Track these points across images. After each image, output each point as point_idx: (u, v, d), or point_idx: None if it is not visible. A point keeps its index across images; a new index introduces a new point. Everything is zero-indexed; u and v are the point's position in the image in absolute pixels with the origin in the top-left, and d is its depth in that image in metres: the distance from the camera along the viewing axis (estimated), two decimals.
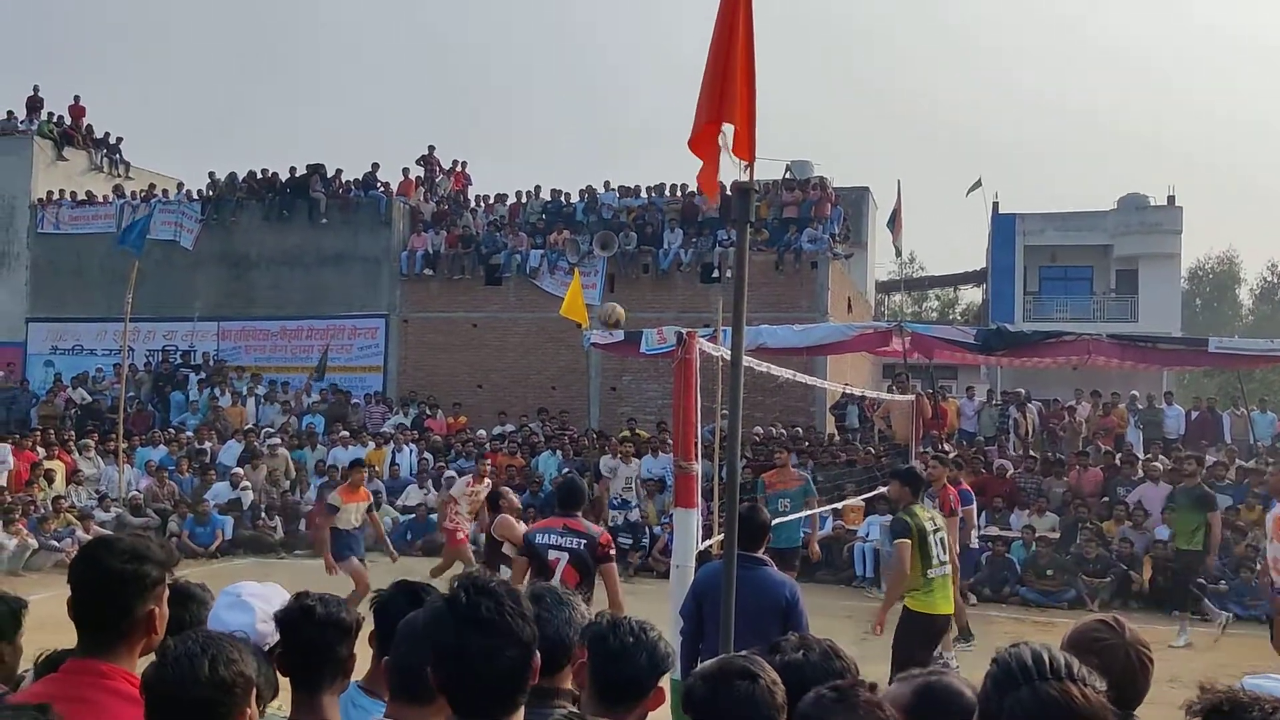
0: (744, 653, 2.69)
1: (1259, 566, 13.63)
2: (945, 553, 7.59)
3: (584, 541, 6.13)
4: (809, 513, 12.25)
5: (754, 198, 4.34)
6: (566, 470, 17.92)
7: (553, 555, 6.09)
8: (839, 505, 15.27)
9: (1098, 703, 1.85)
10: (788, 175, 24.53)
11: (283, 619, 2.91)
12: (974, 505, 11.49)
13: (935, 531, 7.50)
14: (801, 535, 12.35)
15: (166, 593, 2.70)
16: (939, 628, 7.74)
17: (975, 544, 12.74)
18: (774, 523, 10.62)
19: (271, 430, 21.05)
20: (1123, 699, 2.58)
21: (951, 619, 8.21)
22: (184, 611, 3.10)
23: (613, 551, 6.32)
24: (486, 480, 13.14)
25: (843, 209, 26.15)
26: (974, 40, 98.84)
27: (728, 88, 4.07)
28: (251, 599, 3.14)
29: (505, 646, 2.14)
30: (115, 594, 2.56)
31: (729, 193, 22.45)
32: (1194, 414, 19.85)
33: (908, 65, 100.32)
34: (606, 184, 25.67)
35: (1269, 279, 56.24)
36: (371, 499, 12.39)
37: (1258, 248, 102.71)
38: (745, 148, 4.21)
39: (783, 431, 19.57)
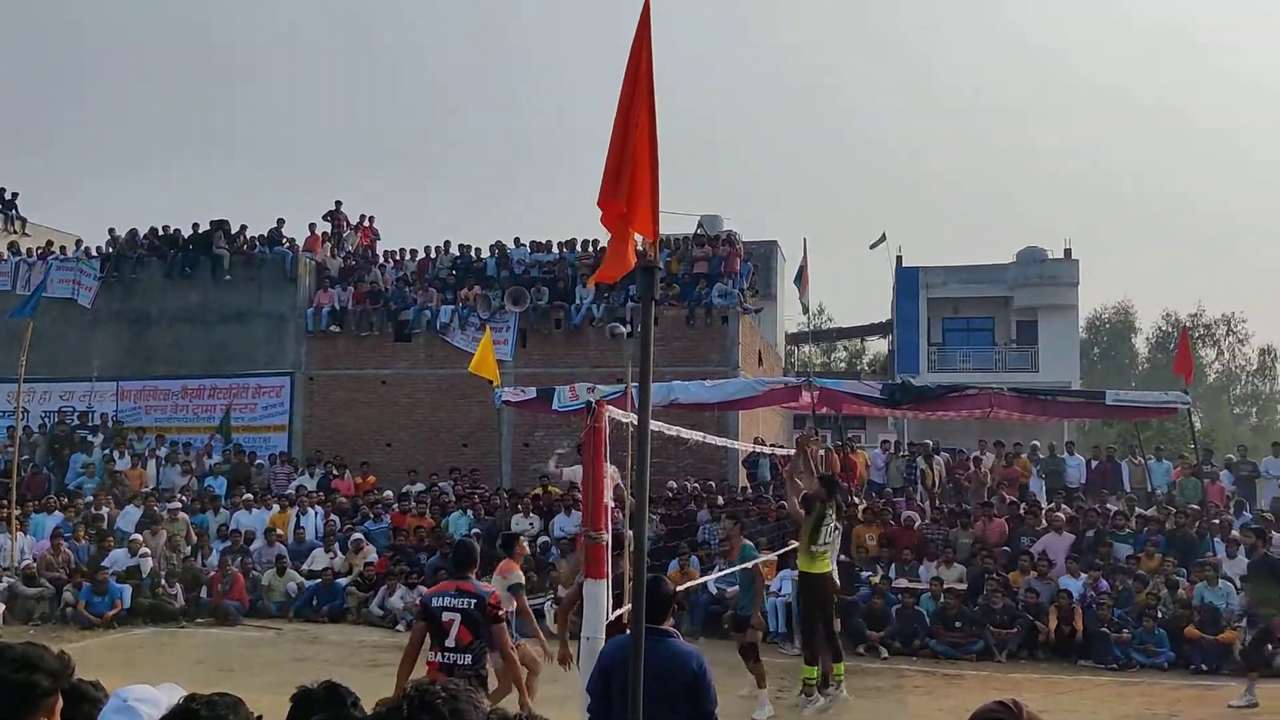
0: None
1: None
2: (829, 538, 10.33)
3: (474, 601, 6.48)
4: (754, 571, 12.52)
5: (657, 275, 4.34)
6: (474, 530, 17.73)
7: (446, 616, 6.49)
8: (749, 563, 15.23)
9: None
10: (699, 231, 24.77)
11: None
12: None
13: (834, 527, 10.35)
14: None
15: (59, 704, 2.58)
16: (826, 585, 10.28)
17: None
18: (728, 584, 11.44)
19: (172, 493, 20.45)
20: None
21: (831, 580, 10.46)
22: (76, 713, 2.97)
23: (501, 612, 6.58)
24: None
25: (752, 263, 26.48)
26: (869, 100, 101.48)
27: (624, 166, 4.08)
28: (139, 704, 3.01)
29: None
30: (3, 705, 2.43)
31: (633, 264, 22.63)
32: (1094, 463, 20.34)
33: (813, 124, 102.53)
34: (517, 239, 25.67)
35: (1163, 328, 58.25)
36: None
37: (1152, 298, 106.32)
38: (647, 224, 4.22)
39: (695, 486, 19.62)
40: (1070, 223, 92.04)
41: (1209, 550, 15.19)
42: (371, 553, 17.85)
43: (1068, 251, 37.70)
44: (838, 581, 10.84)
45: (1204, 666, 13.40)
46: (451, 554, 7.37)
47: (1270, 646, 11.87)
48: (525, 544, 11.35)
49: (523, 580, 10.13)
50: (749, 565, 11.75)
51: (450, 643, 6.54)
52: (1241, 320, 58.87)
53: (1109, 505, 17.85)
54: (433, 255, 26.19)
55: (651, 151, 4.22)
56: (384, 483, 21.76)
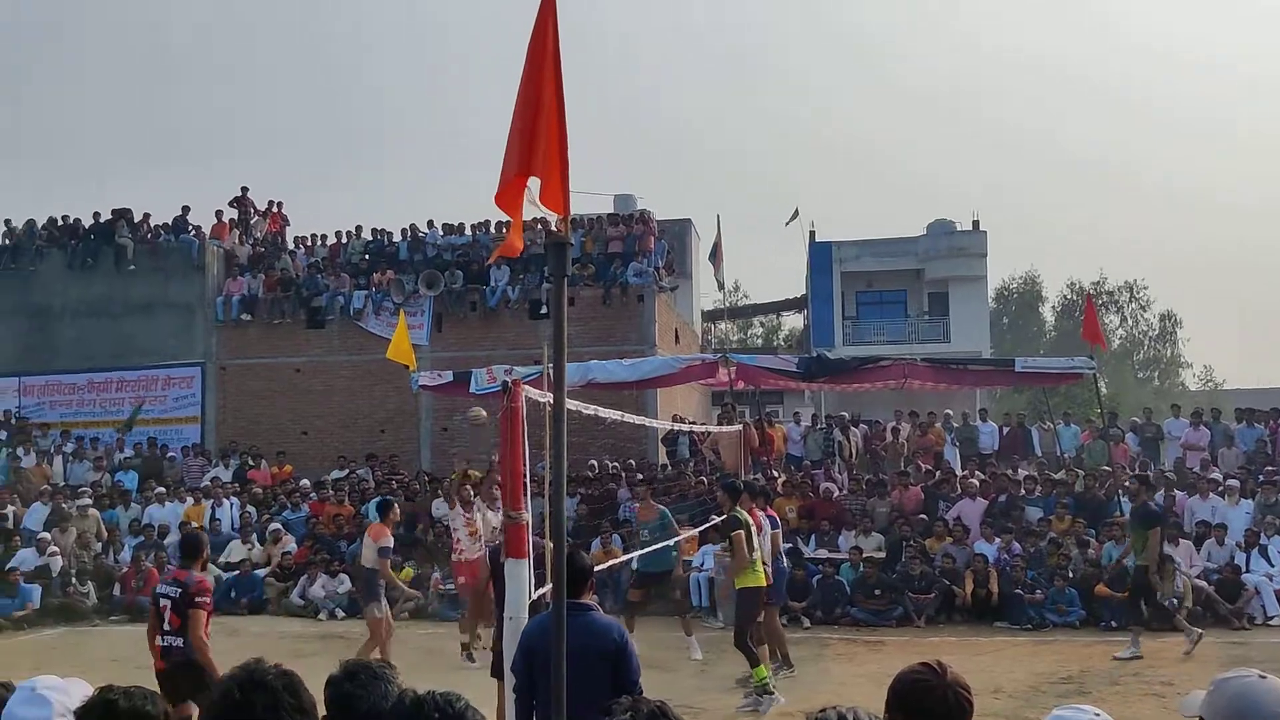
0: None
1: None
2: (759, 547, 10.33)
3: (180, 590, 7.02)
4: (681, 538, 13.48)
5: (569, 251, 4.32)
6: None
7: (162, 603, 7.09)
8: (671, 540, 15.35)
9: None
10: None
11: (82, 714, 2.75)
12: (779, 530, 11.86)
13: (756, 530, 10.35)
14: (672, 559, 12.94)
15: None
16: (761, 596, 10.31)
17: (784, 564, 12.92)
18: (640, 553, 12.05)
19: (81, 489, 19.92)
20: None
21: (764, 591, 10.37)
22: None
23: (200, 599, 7.01)
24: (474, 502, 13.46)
25: (666, 242, 26.54)
26: (782, 76, 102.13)
27: (536, 141, 4.05)
28: (48, 692, 2.97)
29: None
30: None
31: (540, 243, 22.59)
32: (1006, 429, 20.82)
33: (725, 101, 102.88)
34: (430, 222, 25.41)
35: (1069, 296, 59.68)
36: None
37: (1058, 268, 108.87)
38: (558, 200, 4.20)
39: (615, 464, 19.66)
40: (978, 193, 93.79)
41: (1117, 511, 15.64)
42: (290, 542, 17.64)
43: (975, 223, 38.41)
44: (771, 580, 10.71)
45: (1114, 623, 13.77)
46: (180, 544, 8.12)
47: (1145, 601, 12.26)
48: (398, 510, 12.10)
49: (391, 545, 11.26)
50: (667, 525, 12.30)
51: (166, 626, 7.04)
52: (1144, 287, 60.60)
53: (1020, 470, 18.29)
54: (344, 240, 25.83)
55: (560, 126, 4.19)
56: (301, 471, 21.45)
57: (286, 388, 23.99)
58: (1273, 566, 14.58)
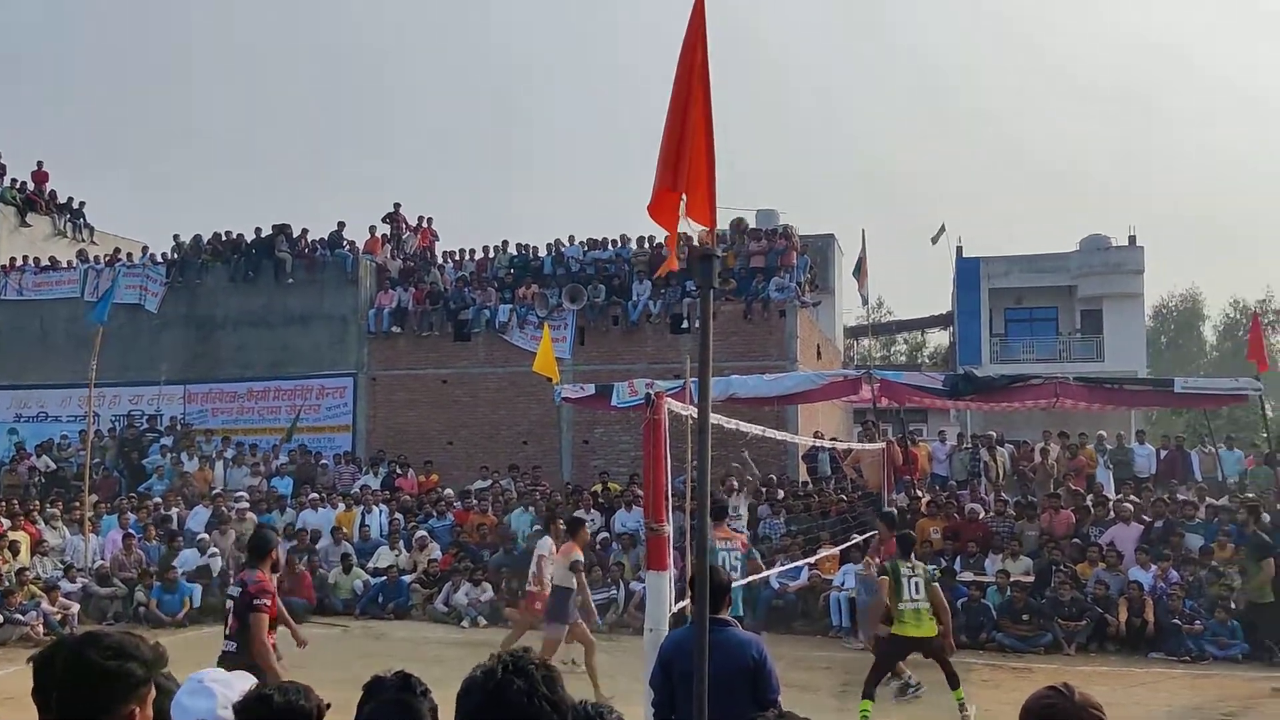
0: None
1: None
2: (917, 592, 9.94)
3: (239, 590, 6.81)
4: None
5: (716, 264, 4.32)
6: (536, 526, 17.82)
7: (227, 604, 6.93)
8: (811, 558, 15.20)
9: None
10: (740, 227, 24.55)
11: (239, 709, 2.86)
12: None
13: (910, 577, 9.97)
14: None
15: (152, 694, 2.62)
16: (918, 646, 10.08)
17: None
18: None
19: (239, 494, 20.80)
20: None
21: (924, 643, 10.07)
22: (154, 704, 3.04)
23: (257, 602, 6.67)
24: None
25: (809, 257, 26.32)
26: (939, 92, 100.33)
27: (683, 155, 4.07)
28: (214, 685, 3.14)
29: None
30: (97, 691, 2.45)
31: (688, 254, 22.63)
32: (1163, 452, 19.93)
33: (872, 117, 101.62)
34: (572, 237, 25.75)
35: (1232, 315, 57.02)
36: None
37: (1220, 284, 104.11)
38: (705, 213, 4.21)
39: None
40: (1136, 209, 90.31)
41: None
42: (435, 550, 18.01)
43: (1132, 239, 37.03)
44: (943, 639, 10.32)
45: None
46: (248, 543, 7.77)
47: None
48: (588, 531, 12.08)
49: (582, 559, 10.99)
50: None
51: (227, 631, 6.82)
52: None
53: (1179, 495, 17.50)
54: (491, 255, 26.35)
55: (708, 140, 4.21)
56: (446, 481, 21.93)
57: (434, 398, 24.54)
58: None
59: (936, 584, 10.43)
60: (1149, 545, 15.44)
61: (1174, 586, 14.22)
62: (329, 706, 2.95)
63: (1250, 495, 16.81)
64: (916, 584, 10.03)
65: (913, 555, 10.44)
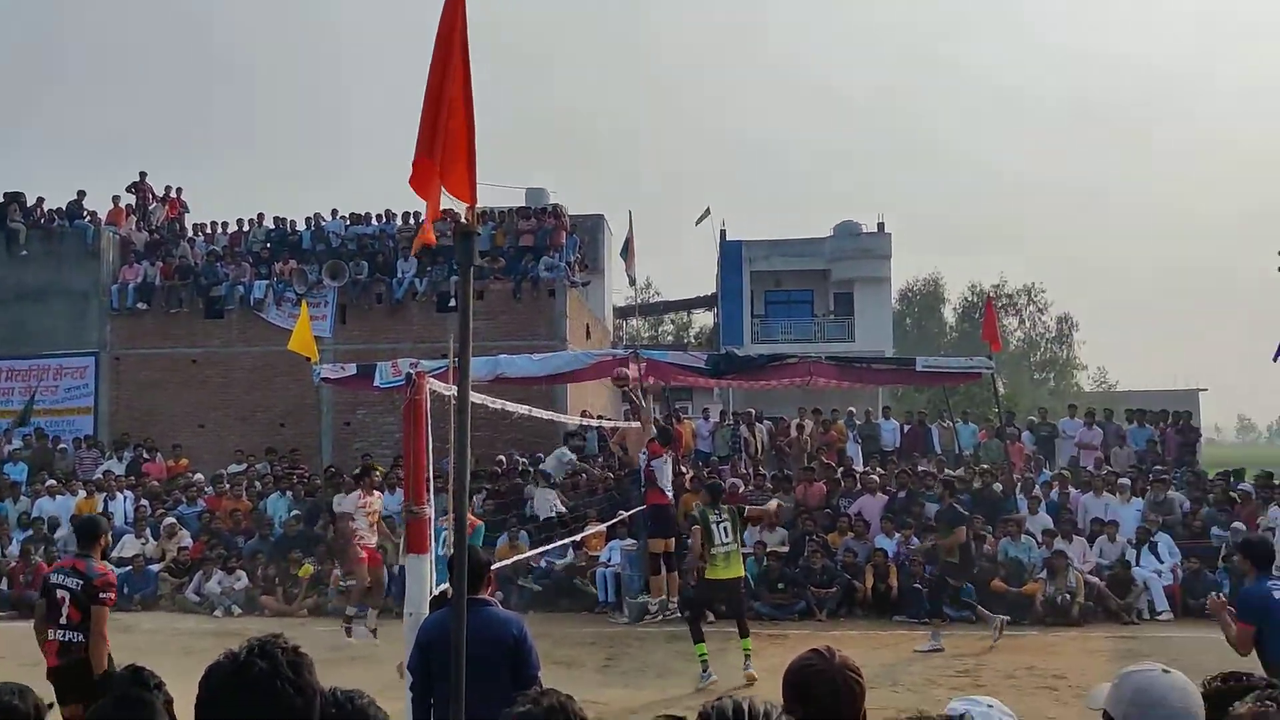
0: None
1: None
2: (727, 535, 10.78)
3: (81, 582, 6.62)
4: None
5: (477, 241, 4.24)
6: (294, 512, 17.27)
7: (59, 594, 6.66)
8: (578, 535, 15.31)
9: None
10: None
11: None
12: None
13: (719, 522, 10.80)
14: None
15: None
16: (731, 588, 10.94)
17: None
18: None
19: None
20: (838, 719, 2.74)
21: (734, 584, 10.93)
22: None
23: (104, 595, 6.65)
24: (376, 492, 13.70)
25: (579, 236, 26.45)
26: (690, 86, 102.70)
27: (439, 127, 3.97)
28: None
29: (266, 707, 2.08)
30: None
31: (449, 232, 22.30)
32: (906, 427, 21.20)
33: (635, 104, 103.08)
34: (334, 211, 24.95)
35: (970, 298, 60.99)
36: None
37: (960, 270, 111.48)
38: (464, 189, 4.12)
39: (523, 460, 19.54)
40: (884, 197, 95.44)
41: (1013, 508, 16.01)
42: (185, 537, 17.20)
43: (880, 225, 39.00)
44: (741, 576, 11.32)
45: (1008, 618, 14.15)
46: (76, 530, 7.59)
47: (947, 595, 12.97)
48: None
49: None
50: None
51: (64, 620, 6.64)
52: (1041, 290, 62.22)
53: (920, 467, 18.61)
54: (245, 228, 25.23)
55: (468, 113, 4.12)
56: (197, 465, 20.93)
57: (183, 379, 23.38)
58: (1161, 563, 15.03)
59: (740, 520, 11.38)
60: (893, 514, 16.39)
61: (915, 553, 15.13)
62: (51, 706, 2.77)
63: (985, 466, 18.05)
64: (725, 528, 10.82)
65: (720, 501, 11.23)
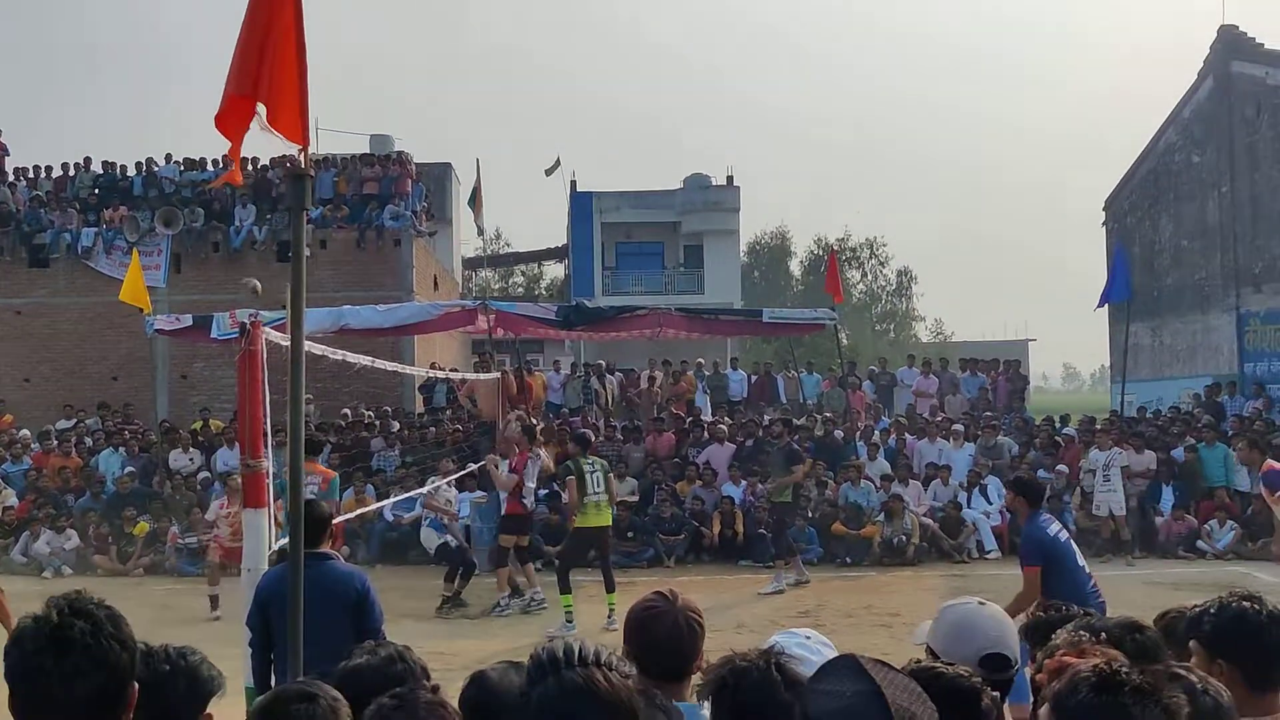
0: (309, 678, 2.61)
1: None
2: (599, 485, 11.15)
3: None
4: None
5: (311, 184, 4.11)
6: (128, 468, 16.65)
7: None
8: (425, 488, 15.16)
9: (621, 686, 1.92)
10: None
11: None
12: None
13: (591, 472, 11.16)
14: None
15: None
16: (600, 536, 11.31)
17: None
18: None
19: None
20: (678, 659, 2.80)
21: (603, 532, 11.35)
22: None
23: None
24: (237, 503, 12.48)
25: (425, 185, 25.96)
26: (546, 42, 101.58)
27: (264, 62, 3.80)
28: None
29: (90, 670, 2.00)
30: None
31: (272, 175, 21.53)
32: (754, 378, 21.63)
33: (487, 43, 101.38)
34: (168, 156, 23.86)
35: (815, 252, 62.25)
36: None
37: (806, 223, 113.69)
38: (296, 129, 3.97)
39: (369, 412, 19.21)
40: (733, 150, 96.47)
41: (853, 454, 16.53)
42: (11, 496, 16.42)
43: (730, 179, 39.43)
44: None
45: (848, 559, 14.71)
46: None
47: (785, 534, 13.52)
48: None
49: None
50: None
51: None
52: (883, 244, 63.92)
53: (766, 416, 19.03)
54: (71, 173, 23.94)
55: (299, 49, 3.96)
56: (23, 421, 19.89)
57: (6, 331, 22.23)
58: (990, 505, 15.75)
59: (610, 475, 11.73)
60: (740, 463, 16.73)
61: (761, 500, 15.50)
62: None
63: (828, 414, 18.56)
64: (597, 478, 11.22)
65: (588, 452, 11.64)
